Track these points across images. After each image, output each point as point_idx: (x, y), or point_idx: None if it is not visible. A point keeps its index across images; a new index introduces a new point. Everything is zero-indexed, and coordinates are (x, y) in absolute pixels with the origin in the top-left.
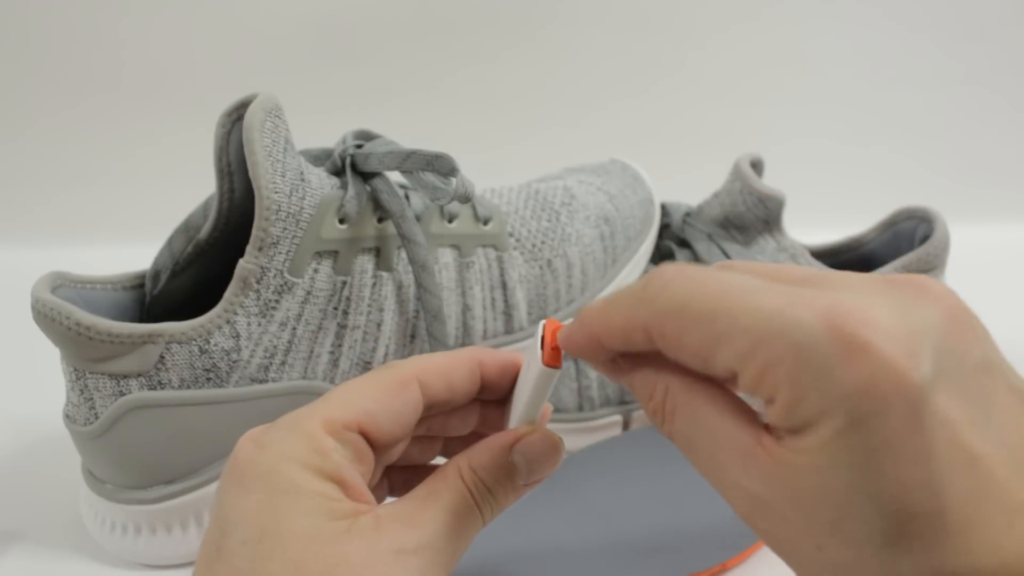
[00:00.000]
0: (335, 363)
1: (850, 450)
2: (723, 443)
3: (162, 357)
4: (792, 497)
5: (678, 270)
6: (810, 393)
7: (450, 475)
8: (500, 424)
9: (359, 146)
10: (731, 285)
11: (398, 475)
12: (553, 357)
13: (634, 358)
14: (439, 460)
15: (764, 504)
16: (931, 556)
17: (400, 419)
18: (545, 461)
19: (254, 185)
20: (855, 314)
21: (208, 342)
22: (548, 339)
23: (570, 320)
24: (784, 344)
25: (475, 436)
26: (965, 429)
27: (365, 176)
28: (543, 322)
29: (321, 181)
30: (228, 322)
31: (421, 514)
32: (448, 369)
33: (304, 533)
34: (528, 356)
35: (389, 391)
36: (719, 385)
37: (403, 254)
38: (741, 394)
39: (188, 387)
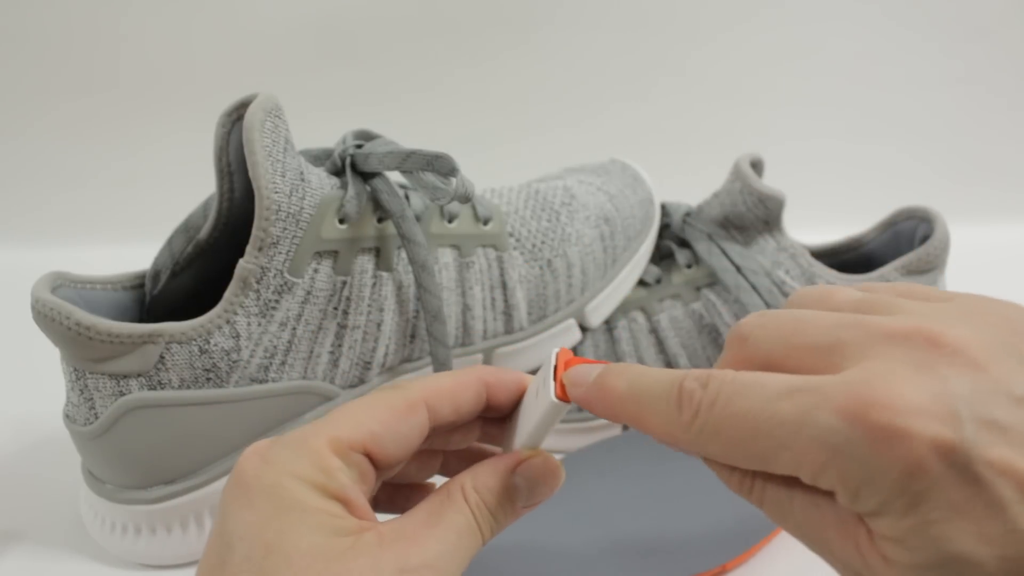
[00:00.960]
0: (335, 363)
1: (927, 529)
2: (822, 520)
3: (162, 357)
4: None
5: (699, 388)
6: (864, 489)
7: (454, 495)
8: (499, 439)
9: (359, 146)
10: (754, 399)
11: (384, 491)
12: (566, 392)
13: None
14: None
15: None
16: None
17: (405, 442)
18: (545, 485)
19: (254, 185)
20: (879, 401)
21: (208, 342)
22: (561, 373)
23: (585, 366)
24: (823, 452)
25: (471, 450)
26: None
27: (365, 176)
28: (556, 351)
29: (321, 181)
30: (228, 322)
31: (424, 532)
32: (456, 392)
33: (308, 550)
34: (537, 382)
35: (397, 414)
36: None
37: (403, 254)
38: None
39: (188, 387)
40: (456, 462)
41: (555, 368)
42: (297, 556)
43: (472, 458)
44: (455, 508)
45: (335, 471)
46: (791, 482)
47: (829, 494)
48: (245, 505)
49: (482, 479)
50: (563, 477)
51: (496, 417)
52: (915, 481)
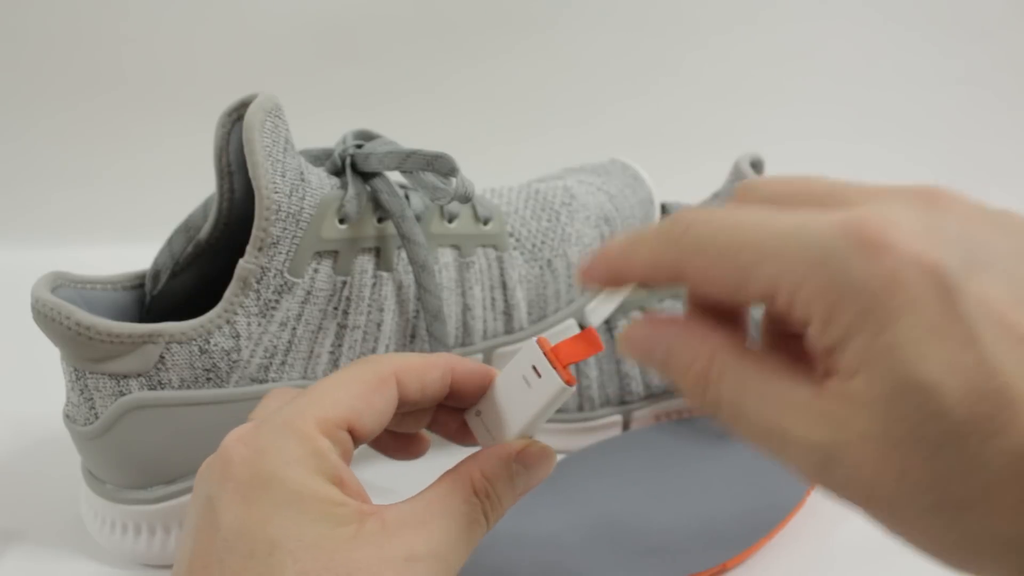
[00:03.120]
0: (335, 363)
1: (894, 351)
2: (780, 402)
3: (162, 357)
4: (863, 432)
5: (697, 212)
6: (841, 303)
7: (462, 483)
8: (450, 429)
9: (359, 146)
10: (749, 217)
11: None
12: (569, 374)
13: (671, 324)
14: None
15: (836, 452)
16: (1011, 436)
17: (381, 417)
18: (541, 470)
19: (254, 185)
20: (873, 219)
21: (208, 342)
22: (558, 358)
23: (561, 335)
24: (808, 261)
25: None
26: (1009, 308)
27: (365, 176)
28: (533, 341)
29: (321, 181)
30: (228, 322)
31: (430, 520)
32: (423, 371)
33: (313, 542)
34: (517, 373)
35: (372, 388)
36: (765, 351)
37: (403, 254)
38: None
39: (188, 387)
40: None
41: (548, 359)
42: (302, 551)
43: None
44: (463, 497)
45: (327, 452)
46: (758, 354)
47: (792, 368)
48: (240, 499)
49: (489, 468)
50: (555, 461)
51: (453, 407)
52: (894, 294)
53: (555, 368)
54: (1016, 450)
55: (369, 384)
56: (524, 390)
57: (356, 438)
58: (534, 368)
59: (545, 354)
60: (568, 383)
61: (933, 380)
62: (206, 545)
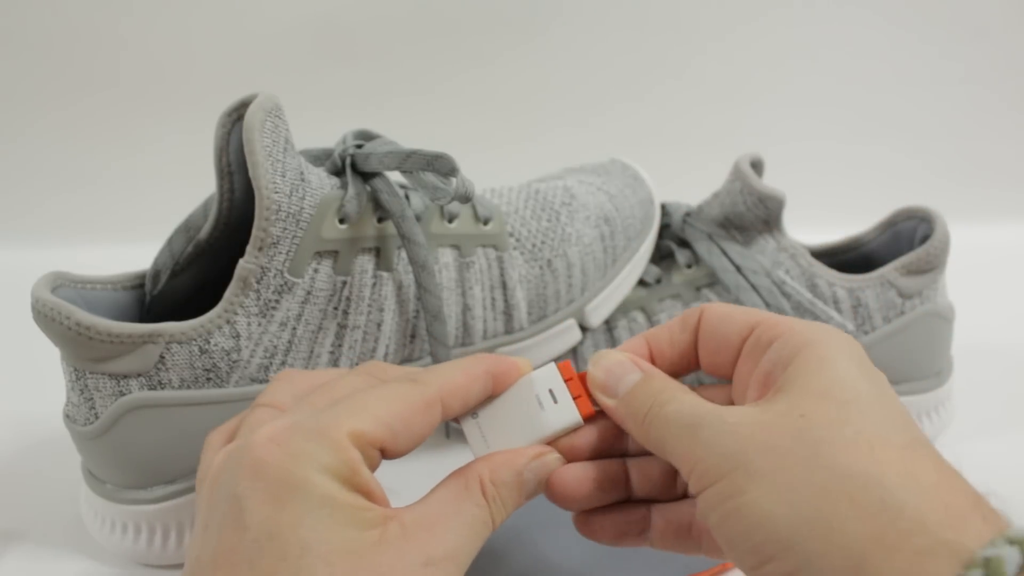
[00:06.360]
0: (335, 363)
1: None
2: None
3: (162, 357)
4: None
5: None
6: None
7: (472, 486)
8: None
9: (359, 146)
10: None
11: None
12: (588, 406)
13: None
14: None
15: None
16: None
17: (418, 437)
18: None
19: (254, 185)
20: None
21: (208, 342)
22: (584, 388)
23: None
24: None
25: None
26: None
27: (365, 176)
28: (553, 365)
29: (321, 181)
30: (228, 322)
31: (445, 524)
32: (468, 389)
33: (342, 546)
34: (535, 389)
35: (414, 411)
36: None
37: (403, 254)
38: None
39: (188, 387)
40: None
41: (566, 384)
42: (332, 554)
43: None
44: (473, 501)
45: (358, 464)
46: None
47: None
48: (272, 500)
49: (500, 473)
50: None
51: None
52: None
53: (572, 400)
54: None
55: (413, 407)
56: (535, 411)
57: (387, 455)
58: (551, 392)
59: (567, 383)
60: (585, 418)
61: None
62: (233, 544)
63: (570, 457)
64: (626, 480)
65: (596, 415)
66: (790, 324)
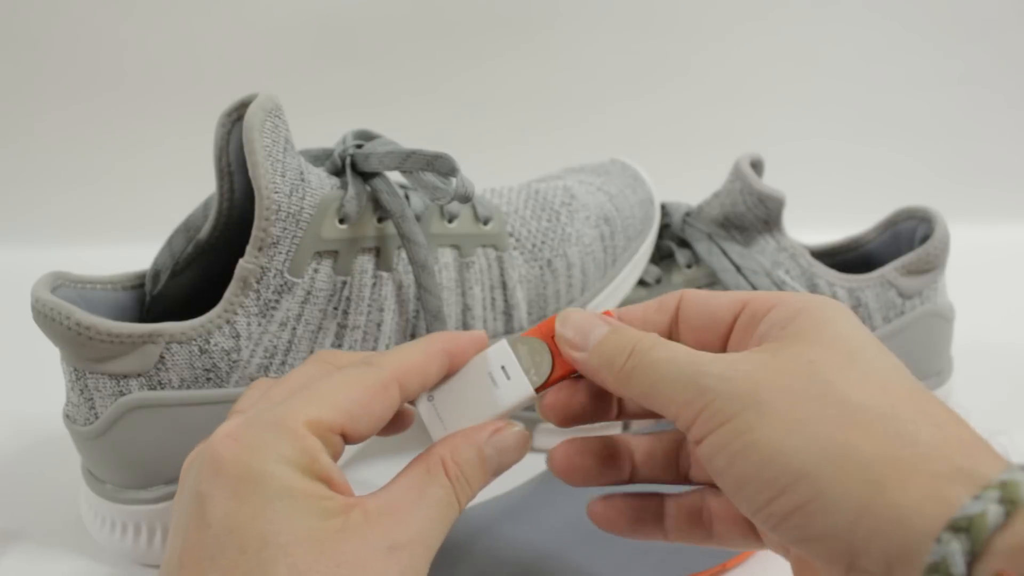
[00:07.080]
0: None
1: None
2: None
3: (162, 357)
4: None
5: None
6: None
7: (434, 468)
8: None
9: (359, 146)
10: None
11: None
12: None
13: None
14: None
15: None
16: None
17: (378, 421)
18: (515, 453)
19: (254, 185)
20: None
21: (208, 342)
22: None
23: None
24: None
25: None
26: None
27: (365, 176)
28: (504, 342)
29: (321, 181)
30: (228, 322)
31: (409, 508)
32: (425, 368)
33: (304, 536)
34: (487, 367)
35: (372, 394)
36: None
37: (403, 254)
38: None
39: (188, 387)
40: None
41: (519, 361)
42: (292, 545)
43: None
44: (437, 482)
45: (317, 452)
46: None
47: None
48: (231, 495)
49: (460, 452)
50: (530, 444)
51: None
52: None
53: (524, 375)
54: None
55: (370, 389)
56: (489, 389)
57: (349, 440)
58: (503, 369)
59: (549, 341)
60: (538, 390)
61: None
62: (196, 542)
63: (559, 419)
64: (630, 458)
65: (574, 376)
66: (785, 295)
